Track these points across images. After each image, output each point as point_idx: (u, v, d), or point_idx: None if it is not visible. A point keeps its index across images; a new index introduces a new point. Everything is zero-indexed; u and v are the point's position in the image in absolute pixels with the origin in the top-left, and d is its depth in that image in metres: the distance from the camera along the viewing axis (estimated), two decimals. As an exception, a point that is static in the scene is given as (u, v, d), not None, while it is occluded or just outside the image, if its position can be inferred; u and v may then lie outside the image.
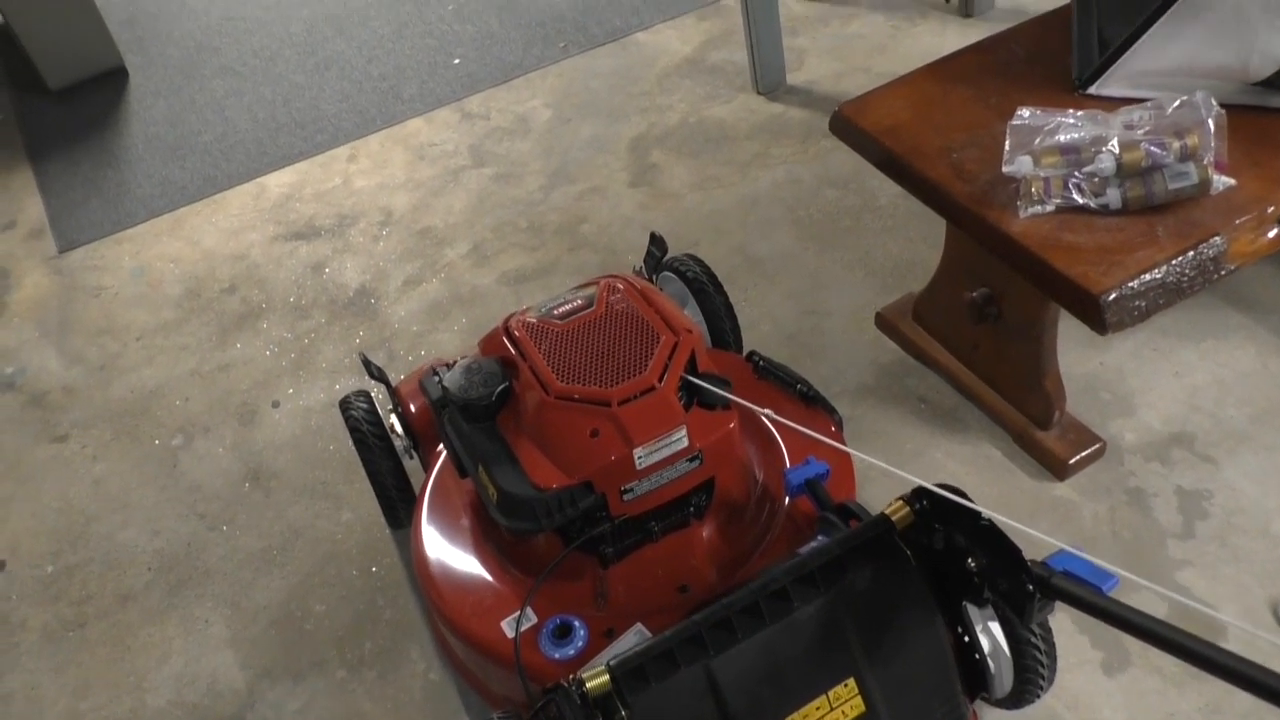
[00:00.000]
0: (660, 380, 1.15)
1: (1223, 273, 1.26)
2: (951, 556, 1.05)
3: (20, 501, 1.84)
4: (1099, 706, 1.32)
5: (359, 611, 1.57)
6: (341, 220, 2.33)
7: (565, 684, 0.95)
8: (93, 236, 2.42)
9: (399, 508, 1.53)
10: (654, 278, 1.67)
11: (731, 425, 1.17)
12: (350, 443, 1.80)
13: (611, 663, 0.98)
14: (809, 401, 1.41)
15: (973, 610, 1.10)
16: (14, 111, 2.90)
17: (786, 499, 1.29)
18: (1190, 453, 1.59)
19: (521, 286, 2.09)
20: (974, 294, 1.60)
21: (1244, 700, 1.27)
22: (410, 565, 1.60)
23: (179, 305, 2.19)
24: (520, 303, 2.05)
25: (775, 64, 2.47)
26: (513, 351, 1.21)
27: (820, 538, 1.18)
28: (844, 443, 1.38)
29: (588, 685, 0.96)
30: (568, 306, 1.25)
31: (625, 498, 1.15)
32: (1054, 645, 1.13)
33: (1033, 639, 1.11)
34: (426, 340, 2.00)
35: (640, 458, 1.12)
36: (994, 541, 0.96)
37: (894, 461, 1.33)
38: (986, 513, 0.97)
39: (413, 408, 1.52)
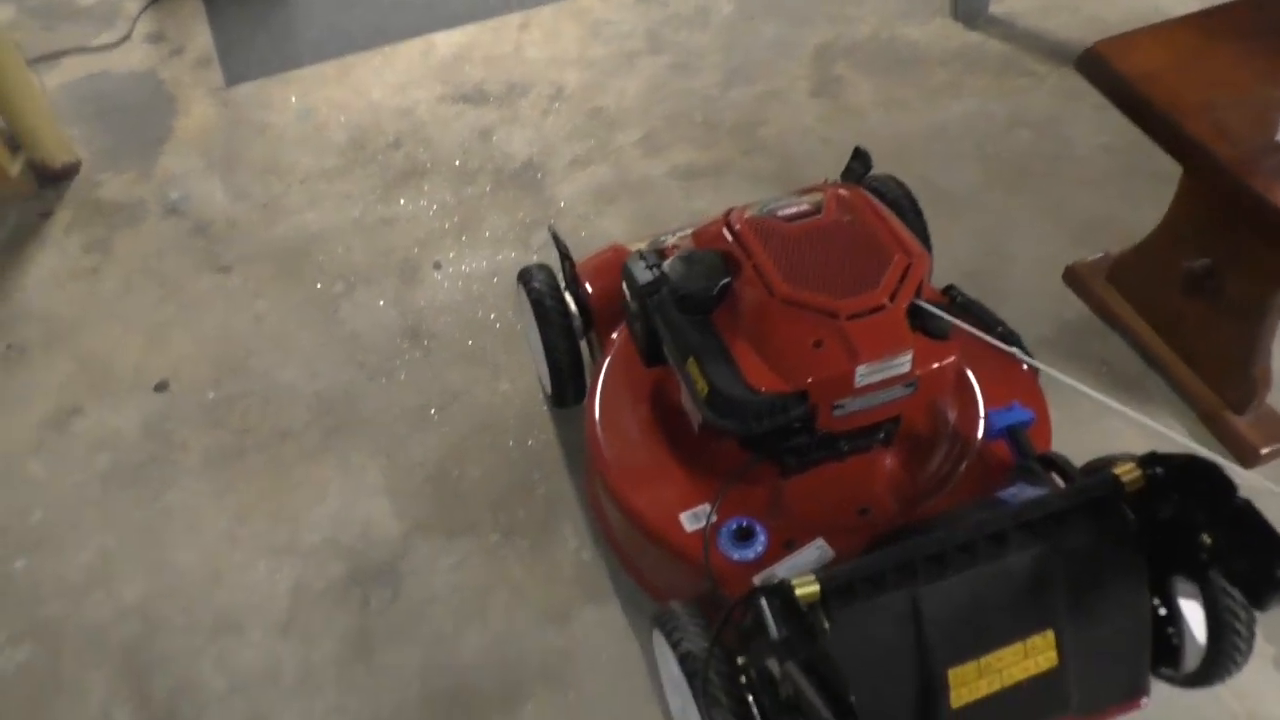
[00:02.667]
0: (891, 299, 1.10)
1: None
2: (1178, 528, 1.00)
3: (183, 326, 1.88)
4: (1267, 697, 1.28)
5: (513, 481, 1.58)
6: (511, 89, 2.29)
7: (780, 585, 0.94)
8: (259, 73, 2.42)
9: (568, 386, 1.52)
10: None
11: (953, 357, 1.13)
12: (510, 314, 1.81)
13: (821, 574, 0.96)
14: (1007, 343, 1.36)
15: (1180, 584, 1.06)
16: (187, -65, 2.88)
17: (979, 440, 1.25)
18: (1390, 461, 1.51)
19: (692, 183, 2.03)
20: (1194, 264, 1.51)
21: None
22: (570, 445, 1.61)
23: (343, 153, 2.18)
24: (690, 199, 2.01)
25: (981, -12, 2.33)
26: (736, 247, 1.17)
27: (1020, 485, 1.15)
28: (1039, 391, 1.33)
29: (798, 592, 0.94)
30: (794, 209, 1.20)
31: (835, 413, 1.12)
32: (1255, 634, 1.09)
33: (1236, 625, 1.07)
34: (591, 223, 1.97)
35: (861, 375, 1.08)
36: (1247, 521, 0.91)
37: (1066, 421, 1.28)
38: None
39: (589, 288, 1.50)
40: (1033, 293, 1.78)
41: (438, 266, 1.93)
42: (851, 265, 1.13)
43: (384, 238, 1.99)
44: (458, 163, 2.13)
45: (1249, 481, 1.50)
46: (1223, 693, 1.28)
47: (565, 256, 1.54)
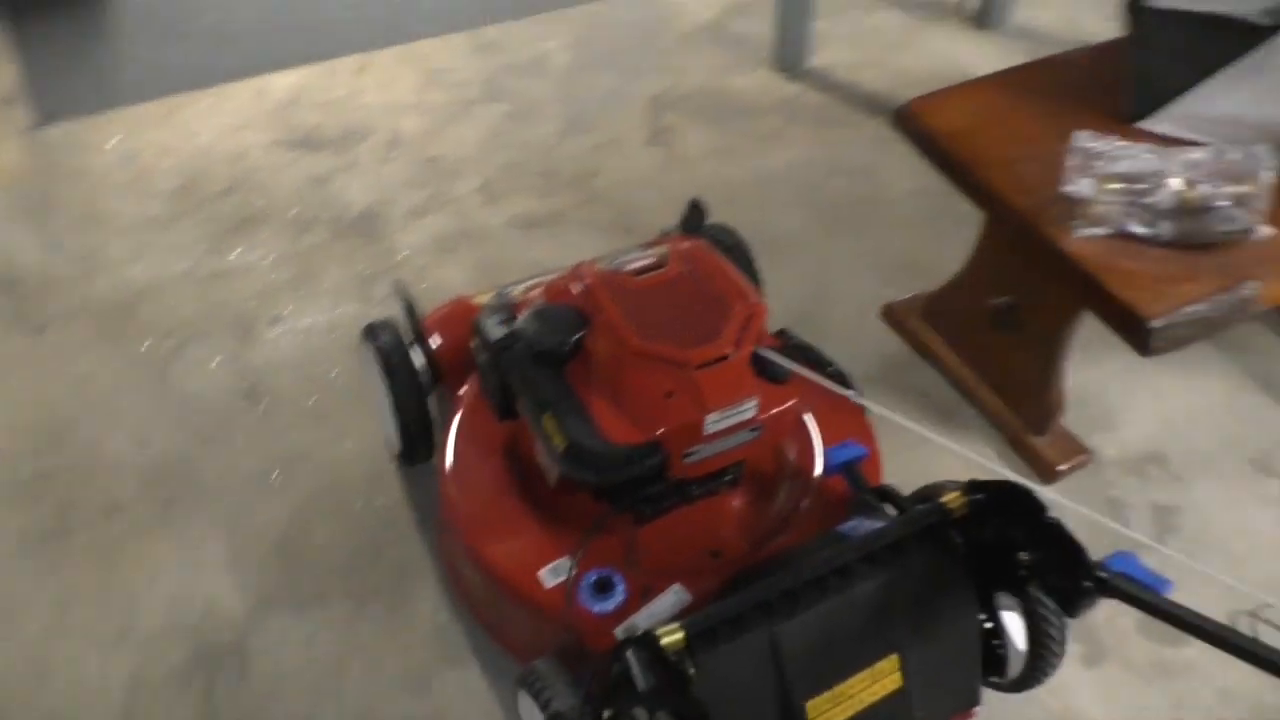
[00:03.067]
0: (735, 348, 1.16)
1: (1253, 313, 1.34)
2: (999, 547, 1.10)
3: (-8, 391, 1.76)
4: (1078, 694, 1.41)
5: (363, 544, 1.55)
6: (348, 134, 2.27)
7: (646, 636, 0.97)
8: (74, 113, 2.29)
9: (418, 444, 1.51)
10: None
11: (793, 401, 1.20)
12: (353, 369, 1.78)
13: (687, 621, 1.00)
14: (838, 382, 1.45)
15: (1002, 599, 1.16)
16: (-16, -33, 2.71)
17: (818, 477, 1.33)
18: (1164, 471, 1.68)
19: (532, 232, 2.07)
20: (997, 301, 1.66)
21: (1208, 697, 1.38)
22: (420, 504, 1.59)
23: (171, 201, 2.10)
24: (530, 248, 2.04)
25: (800, 44, 2.48)
26: (587, 301, 1.20)
27: (858, 518, 1.23)
28: (869, 426, 1.43)
29: (663, 641, 0.98)
30: (641, 263, 1.25)
31: (687, 460, 1.16)
32: (1067, 639, 1.20)
33: (1052, 632, 1.18)
34: (432, 274, 1.97)
35: (711, 423, 1.13)
36: (1056, 538, 1.01)
37: (891, 450, 1.38)
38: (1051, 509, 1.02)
39: (436, 342, 1.50)
40: (855, 331, 1.90)
41: (275, 321, 1.88)
42: (697, 316, 1.19)
43: (217, 292, 1.92)
44: (294, 211, 2.08)
45: (1054, 499, 1.66)
46: (1040, 694, 1.40)
47: (410, 311, 1.53)
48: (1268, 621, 1.45)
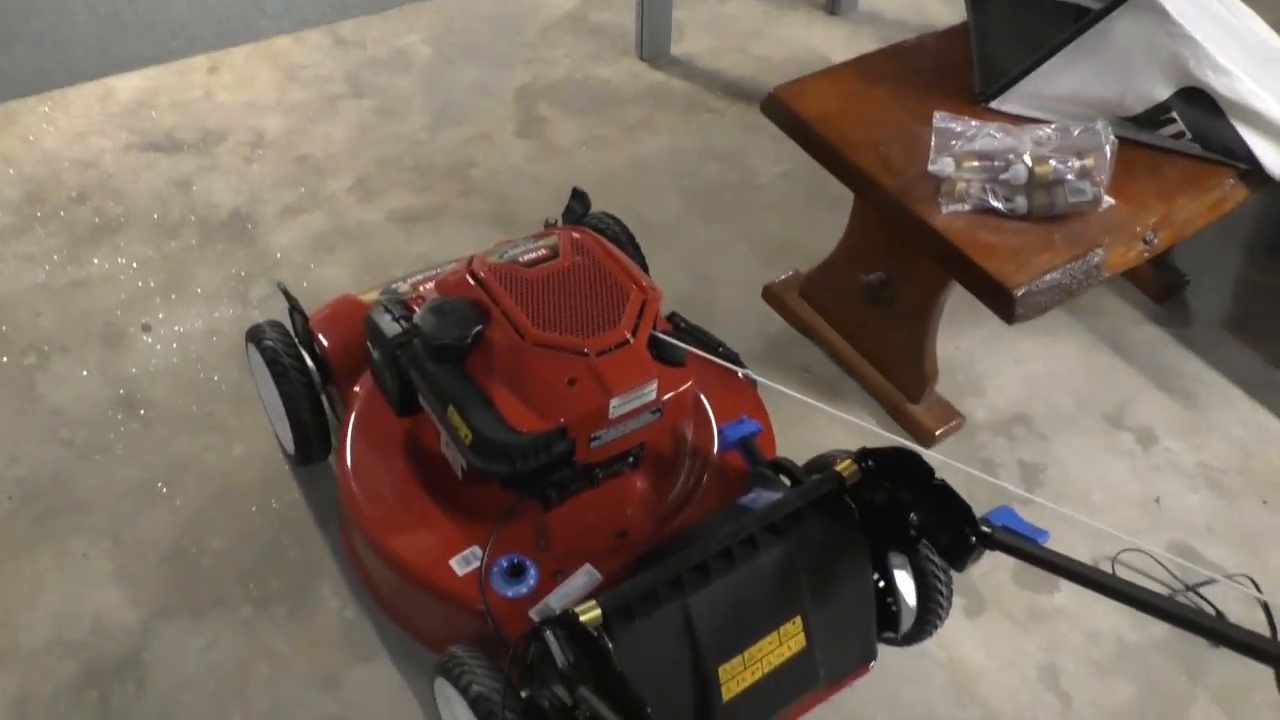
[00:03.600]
0: (633, 334, 1.20)
1: (1102, 278, 1.46)
2: (890, 510, 1.17)
3: None
4: (962, 644, 1.50)
5: (261, 548, 1.52)
6: (206, 136, 2.19)
7: (564, 615, 1.00)
8: (-101, 122, 2.14)
9: (313, 443, 1.49)
10: (574, 233, 1.70)
11: (690, 382, 1.24)
12: (236, 373, 1.74)
13: (603, 599, 1.03)
14: (731, 363, 1.50)
15: (894, 558, 1.24)
16: None
17: (716, 454, 1.38)
18: (1029, 430, 1.81)
19: (412, 227, 2.05)
20: (870, 277, 1.74)
21: (1077, 639, 1.50)
22: (318, 503, 1.57)
23: (19, 210, 1.99)
24: (411, 243, 2.02)
25: (662, 33, 2.53)
26: (483, 295, 1.22)
27: (756, 490, 1.28)
28: (761, 402, 1.49)
29: (581, 619, 1.00)
30: (532, 255, 1.27)
31: (592, 445, 1.19)
32: (953, 593, 1.29)
33: (940, 587, 1.26)
34: (313, 274, 1.93)
35: (614, 407, 1.17)
36: (944, 498, 1.09)
37: (781, 425, 1.45)
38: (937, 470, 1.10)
39: (325, 341, 1.49)
40: (738, 312, 1.97)
41: (147, 329, 1.81)
42: (593, 304, 1.22)
43: (79, 301, 1.84)
44: (156, 215, 2.00)
45: (939, 459, 1.77)
46: (929, 645, 1.49)
47: (296, 310, 1.51)
48: (1127, 565, 1.59)
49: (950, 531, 1.09)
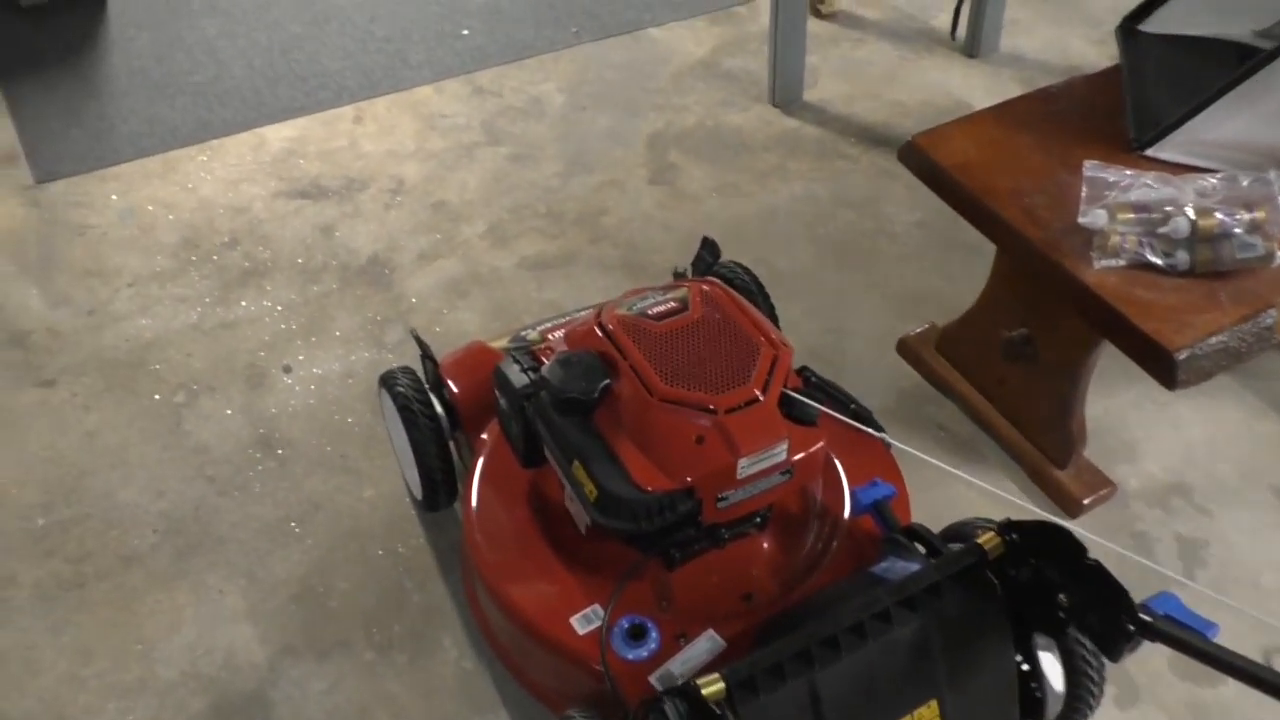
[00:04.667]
0: (763, 391, 1.16)
1: (1275, 342, 1.34)
2: (1036, 588, 1.09)
3: (3, 448, 1.74)
4: (1111, 736, 1.40)
5: (385, 592, 1.53)
6: (350, 183, 2.27)
7: (686, 686, 0.96)
8: (74, 170, 2.29)
9: (440, 490, 1.50)
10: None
11: (822, 443, 1.19)
12: (369, 416, 1.77)
13: (726, 671, 0.99)
14: (862, 421, 1.44)
15: (1039, 640, 1.15)
16: (-21, 25, 2.72)
17: (847, 517, 1.32)
18: (1188, 502, 1.68)
19: (543, 273, 2.07)
20: (1013, 334, 1.66)
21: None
22: (441, 549, 1.58)
23: (175, 254, 2.10)
24: (541, 289, 2.04)
25: (795, 78, 2.50)
26: (611, 348, 1.20)
27: (890, 558, 1.22)
28: (895, 463, 1.42)
29: (704, 691, 0.96)
30: (662, 307, 1.25)
31: (719, 505, 1.16)
32: (1105, 681, 1.19)
33: (1091, 675, 1.17)
34: (446, 318, 1.97)
35: (743, 468, 1.13)
36: (1097, 580, 1.01)
37: (913, 486, 1.38)
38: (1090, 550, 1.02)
39: (454, 388, 1.50)
40: (870, 365, 1.90)
41: (287, 370, 1.87)
42: (723, 360, 1.18)
43: (226, 342, 1.91)
44: (300, 260, 2.08)
45: (1089, 537, 1.66)
46: (1076, 733, 1.39)
47: (428, 356, 1.53)
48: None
49: (1104, 617, 1.00)
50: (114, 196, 2.22)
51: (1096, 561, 1.01)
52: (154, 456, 1.72)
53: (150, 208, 2.20)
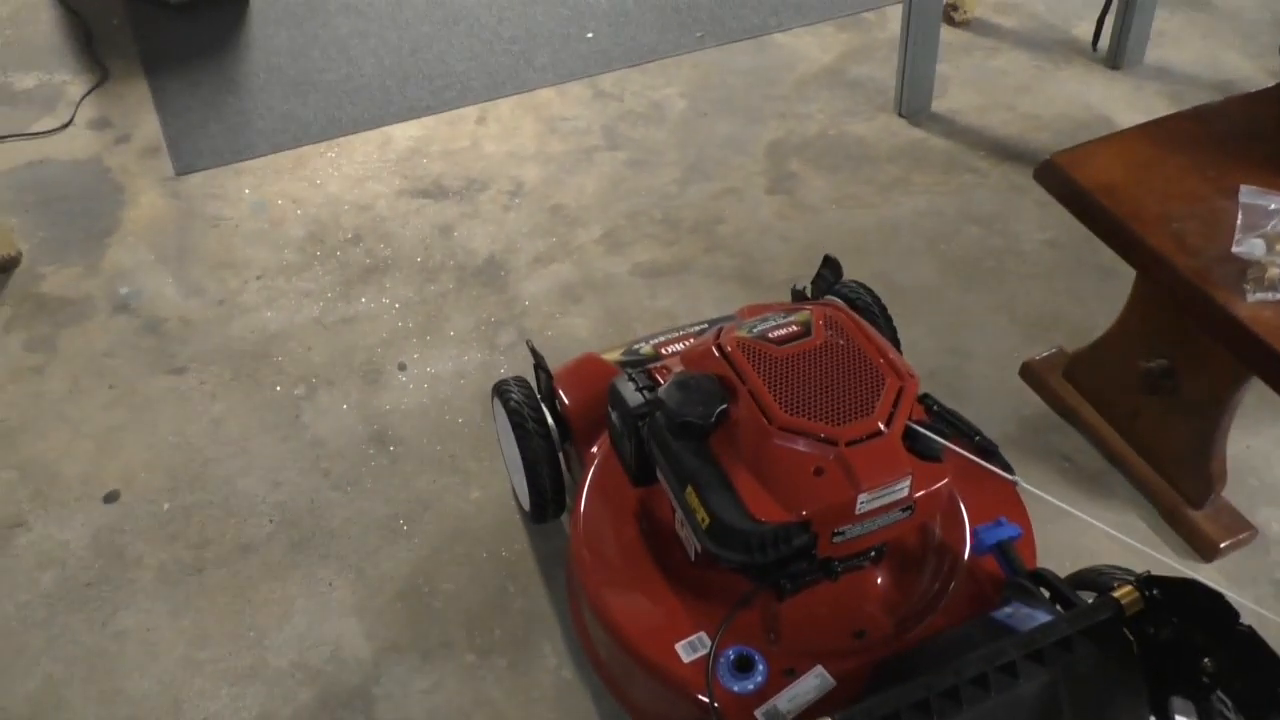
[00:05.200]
0: (887, 425, 1.12)
1: None
2: (1177, 649, 1.02)
3: (135, 431, 1.81)
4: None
5: (489, 595, 1.54)
6: (470, 184, 2.29)
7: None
8: (211, 163, 2.38)
9: (549, 503, 1.49)
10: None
11: (946, 479, 1.14)
12: (479, 418, 1.79)
13: (838, 716, 0.95)
14: (987, 456, 1.38)
15: (1177, 704, 1.08)
16: (129, 19, 2.84)
17: (967, 557, 1.26)
18: (1338, 553, 1.57)
19: (656, 281, 2.05)
20: (1151, 364, 1.57)
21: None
22: (545, 556, 1.58)
23: (301, 249, 2.15)
24: (654, 298, 2.02)
25: (924, 88, 2.42)
26: (730, 371, 1.17)
27: (1014, 604, 1.16)
28: (1021, 501, 1.35)
29: (813, 737, 0.93)
30: (783, 331, 1.21)
31: (835, 539, 1.12)
32: (1247, 750, 1.11)
33: (1232, 743, 1.09)
34: (558, 322, 1.97)
35: (862, 503, 1.09)
36: (1250, 647, 0.94)
37: (1036, 519, 1.31)
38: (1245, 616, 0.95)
39: (566, 400, 1.49)
40: (992, 389, 1.83)
41: (402, 368, 1.90)
42: (845, 389, 1.14)
43: (345, 338, 1.96)
44: (419, 259, 2.11)
45: (1207, 578, 1.56)
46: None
47: (542, 368, 1.53)
48: None
49: (1255, 685, 0.93)
50: (247, 190, 2.30)
51: (1250, 628, 0.94)
52: (273, 447, 1.77)
53: (280, 202, 2.26)
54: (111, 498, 1.71)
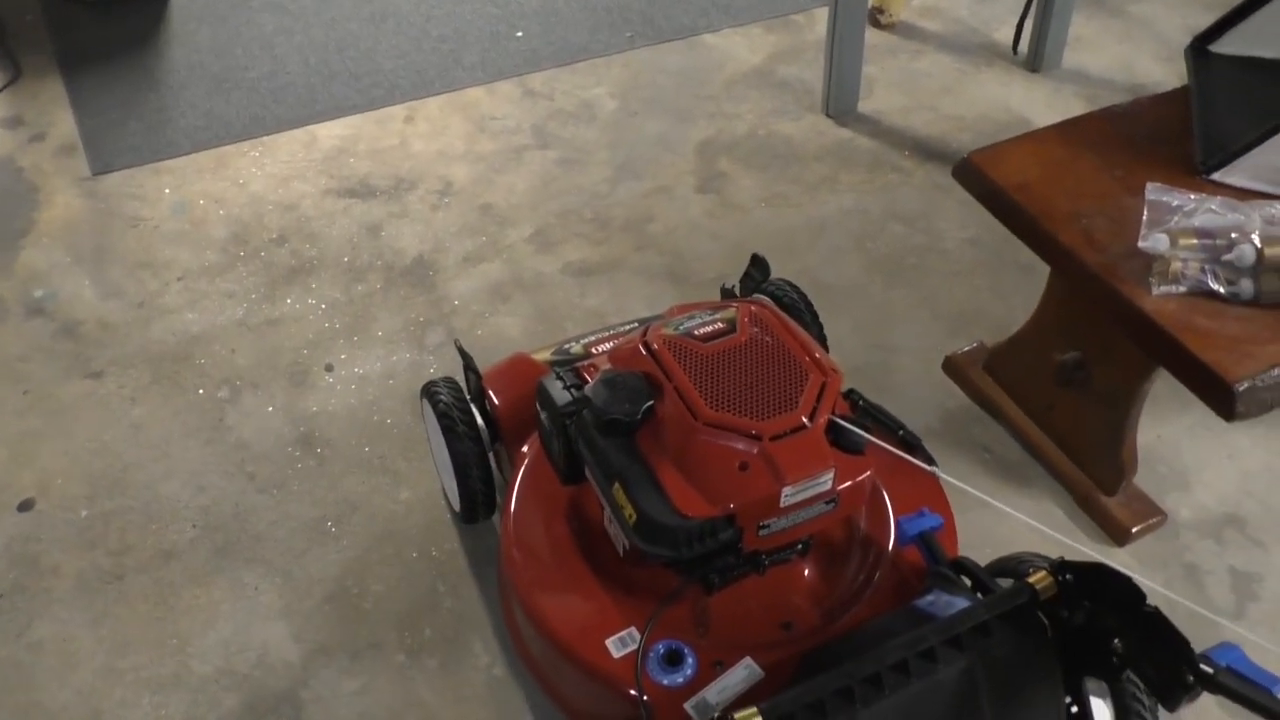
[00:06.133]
0: (811, 419, 1.14)
1: (1344, 379, 1.29)
2: (1089, 632, 1.06)
3: (51, 438, 1.76)
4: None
5: (419, 595, 1.53)
6: (399, 183, 2.27)
7: (722, 717, 0.94)
8: (130, 162, 2.32)
9: (480, 504, 1.49)
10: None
11: (869, 472, 1.16)
12: (408, 418, 1.77)
13: (764, 706, 0.97)
14: (909, 449, 1.41)
15: (1090, 684, 1.12)
16: (43, 15, 2.76)
17: (891, 547, 1.29)
18: (1242, 535, 1.63)
19: (586, 280, 2.05)
20: (1065, 357, 1.62)
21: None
22: (475, 555, 1.58)
23: (224, 249, 2.11)
24: (584, 296, 2.02)
25: (850, 89, 2.46)
26: (656, 369, 1.18)
27: (935, 592, 1.19)
28: (944, 493, 1.39)
29: (739, 726, 0.94)
30: (709, 328, 1.23)
31: (761, 533, 1.13)
32: (1158, 728, 1.15)
33: (1144, 720, 1.13)
34: (488, 321, 1.96)
35: (787, 496, 1.10)
36: (1157, 628, 0.97)
37: (957, 509, 1.34)
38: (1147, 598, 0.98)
39: (495, 400, 1.49)
40: (916, 383, 1.87)
41: (329, 369, 1.87)
42: (769, 385, 1.16)
43: (271, 339, 1.92)
44: (346, 259, 2.09)
45: (1119, 561, 1.61)
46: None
47: (471, 369, 1.52)
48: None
49: (1163, 666, 0.97)
50: (167, 190, 2.25)
51: (1156, 609, 0.98)
52: (196, 451, 1.73)
53: (202, 202, 2.22)
54: (26, 506, 1.66)
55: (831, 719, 0.98)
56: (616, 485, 1.14)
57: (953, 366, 1.88)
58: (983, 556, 1.26)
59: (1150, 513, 1.64)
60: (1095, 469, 1.66)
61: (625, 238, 2.14)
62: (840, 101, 2.47)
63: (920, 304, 2.02)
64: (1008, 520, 1.62)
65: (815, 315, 1.63)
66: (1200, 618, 1.47)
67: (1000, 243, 2.11)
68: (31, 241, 2.12)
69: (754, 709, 0.96)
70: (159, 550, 1.60)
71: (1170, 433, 1.77)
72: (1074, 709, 1.12)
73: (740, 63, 2.64)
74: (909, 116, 2.49)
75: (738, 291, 1.65)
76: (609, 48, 2.68)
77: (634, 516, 1.11)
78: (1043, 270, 1.67)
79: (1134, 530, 1.62)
